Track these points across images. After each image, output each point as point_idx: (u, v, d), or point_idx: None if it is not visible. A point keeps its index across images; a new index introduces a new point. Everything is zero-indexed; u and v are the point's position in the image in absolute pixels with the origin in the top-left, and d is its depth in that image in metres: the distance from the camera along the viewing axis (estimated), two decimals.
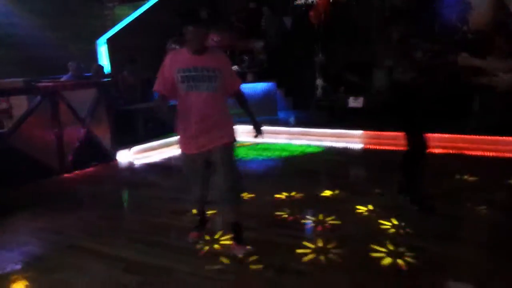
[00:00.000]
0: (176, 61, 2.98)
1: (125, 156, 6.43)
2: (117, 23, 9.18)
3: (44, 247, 3.53)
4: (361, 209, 4.00)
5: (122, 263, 3.19)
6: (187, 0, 9.63)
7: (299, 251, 3.21)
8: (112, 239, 3.62)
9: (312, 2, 9.47)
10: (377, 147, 6.65)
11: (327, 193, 4.52)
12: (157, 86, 3.05)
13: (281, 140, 7.37)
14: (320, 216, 3.85)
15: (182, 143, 3.17)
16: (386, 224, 3.62)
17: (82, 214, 4.25)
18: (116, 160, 6.30)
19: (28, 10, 8.21)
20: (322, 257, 3.12)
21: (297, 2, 9.96)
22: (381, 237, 3.38)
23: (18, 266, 3.21)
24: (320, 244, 3.32)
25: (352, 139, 6.96)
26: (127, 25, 8.94)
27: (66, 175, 5.64)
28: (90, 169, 5.92)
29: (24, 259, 3.32)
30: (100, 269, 3.13)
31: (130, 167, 6.15)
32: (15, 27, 7.97)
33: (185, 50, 3.00)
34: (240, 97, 3.27)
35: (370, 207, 4.03)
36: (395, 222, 3.63)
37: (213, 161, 3.11)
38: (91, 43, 8.75)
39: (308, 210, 4.07)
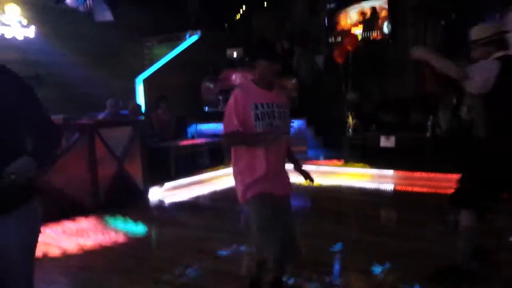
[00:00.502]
0: (249, 96, 2.71)
1: (156, 194, 6.55)
2: (155, 62, 9.53)
3: (74, 286, 3.60)
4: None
5: None
6: (220, 41, 10.03)
7: None
8: (140, 278, 3.66)
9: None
10: (409, 188, 6.52)
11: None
12: (232, 126, 2.68)
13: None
14: None
15: (251, 184, 2.75)
16: None
17: (112, 253, 4.33)
18: (147, 197, 6.41)
19: (69, 49, 8.61)
20: None
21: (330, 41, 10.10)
22: None
23: None
24: None
25: (384, 179, 6.86)
26: (164, 64, 9.26)
27: (99, 212, 5.77)
28: (122, 206, 6.04)
29: None
30: None
31: (161, 205, 6.24)
32: (57, 66, 8.35)
33: (253, 86, 2.77)
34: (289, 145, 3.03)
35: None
36: None
37: (281, 210, 2.79)
38: (130, 81, 9.08)
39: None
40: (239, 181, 2.82)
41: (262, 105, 2.69)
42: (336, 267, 3.88)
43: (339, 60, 8.92)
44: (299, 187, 6.79)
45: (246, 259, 3.13)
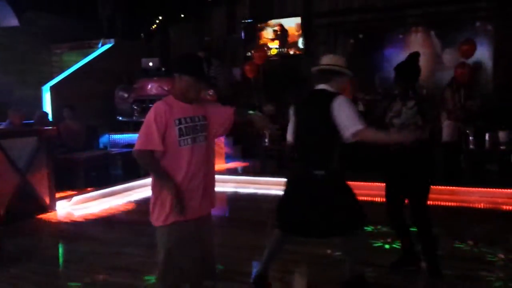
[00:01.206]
0: (172, 110, 2.56)
1: (64, 207, 6.15)
2: (65, 70, 9.06)
3: None
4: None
5: None
6: (135, 50, 9.81)
7: None
8: None
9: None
10: None
11: None
12: (150, 144, 2.52)
13: (228, 188, 7.35)
14: None
15: (164, 211, 2.58)
16: None
17: (15, 271, 3.98)
18: (54, 211, 6.01)
19: None
20: None
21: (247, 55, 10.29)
22: None
23: None
24: None
25: None
26: (74, 72, 8.84)
27: None
28: (26, 221, 5.60)
29: None
30: None
31: (69, 219, 5.87)
32: None
33: (173, 99, 2.62)
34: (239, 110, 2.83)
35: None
36: None
37: (200, 233, 2.66)
38: (37, 89, 8.55)
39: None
40: (155, 200, 2.63)
41: (185, 119, 2.57)
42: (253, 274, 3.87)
43: (250, 74, 9.17)
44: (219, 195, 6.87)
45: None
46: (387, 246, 4.37)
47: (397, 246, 4.09)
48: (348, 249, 3.28)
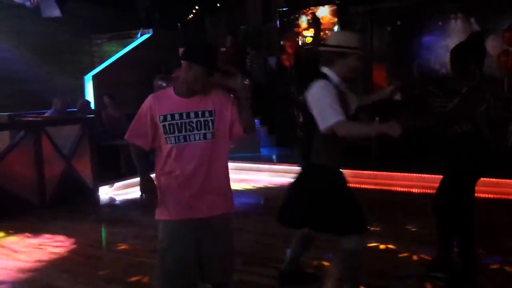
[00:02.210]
0: (159, 105, 2.39)
1: (106, 192, 6.42)
2: (105, 60, 9.33)
3: (19, 286, 3.48)
4: None
5: None
6: (172, 40, 9.96)
7: None
8: (90, 279, 3.59)
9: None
10: (357, 185, 6.74)
11: None
12: (134, 138, 2.46)
13: (264, 177, 7.44)
14: None
15: (162, 206, 2.47)
16: None
17: (60, 252, 4.22)
18: (97, 196, 6.27)
19: (16, 45, 8.32)
20: None
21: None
22: None
23: None
24: None
25: None
26: (114, 61, 9.08)
27: (46, 210, 5.59)
28: (71, 205, 5.88)
29: None
30: None
31: (111, 204, 6.13)
32: (3, 62, 8.06)
33: (171, 92, 2.43)
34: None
35: None
36: None
37: (202, 237, 2.45)
38: (78, 78, 8.85)
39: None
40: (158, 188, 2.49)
41: (172, 115, 2.34)
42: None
43: (286, 63, 9.14)
44: (252, 188, 6.99)
45: None
46: None
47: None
48: (338, 263, 3.03)
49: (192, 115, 2.36)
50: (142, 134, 2.42)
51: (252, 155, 8.31)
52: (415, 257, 3.84)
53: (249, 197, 6.27)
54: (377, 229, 4.54)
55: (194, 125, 2.35)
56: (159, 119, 2.35)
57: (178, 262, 2.39)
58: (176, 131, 2.34)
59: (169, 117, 2.35)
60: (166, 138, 2.36)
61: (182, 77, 2.36)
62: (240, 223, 4.65)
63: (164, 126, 2.35)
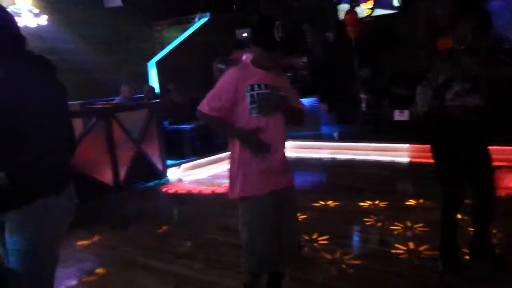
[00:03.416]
0: (245, 76, 2.38)
1: (174, 174, 6.68)
2: (166, 46, 9.59)
3: (100, 263, 3.74)
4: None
5: (174, 278, 3.35)
6: (231, 21, 10.02)
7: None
8: (163, 255, 3.79)
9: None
10: (424, 160, 6.55)
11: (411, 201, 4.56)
12: (215, 111, 2.36)
13: (325, 154, 7.41)
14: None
15: (248, 182, 2.38)
16: None
17: (136, 230, 4.47)
18: (166, 177, 6.54)
19: (81, 36, 8.72)
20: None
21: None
22: None
23: (75, 282, 3.41)
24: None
25: (399, 153, 6.89)
26: (174, 47, 9.31)
27: (120, 192, 5.91)
28: (142, 186, 6.18)
29: (80, 275, 3.53)
30: (153, 285, 3.29)
31: (179, 184, 6.37)
32: (70, 53, 8.47)
33: (251, 65, 2.44)
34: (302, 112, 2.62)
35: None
36: None
37: (282, 207, 2.45)
38: (142, 65, 9.17)
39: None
40: (234, 169, 2.44)
41: (259, 86, 2.36)
42: (355, 240, 3.98)
43: (344, 38, 8.88)
44: (315, 162, 6.98)
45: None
46: None
47: None
48: None
49: (272, 87, 2.41)
50: (224, 106, 2.35)
51: (313, 133, 8.27)
52: None
53: (310, 174, 6.28)
54: None
55: (276, 97, 2.41)
56: (246, 89, 2.34)
57: (268, 240, 2.37)
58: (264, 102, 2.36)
59: (255, 87, 2.35)
60: (250, 108, 2.34)
61: (254, 56, 2.46)
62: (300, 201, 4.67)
63: (251, 95, 2.34)
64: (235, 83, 2.34)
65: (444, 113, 2.94)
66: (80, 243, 4.21)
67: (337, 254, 3.49)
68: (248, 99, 2.34)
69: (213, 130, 2.58)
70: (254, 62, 2.44)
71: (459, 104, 2.89)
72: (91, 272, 3.56)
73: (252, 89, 2.35)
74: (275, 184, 2.41)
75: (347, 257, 3.44)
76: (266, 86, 2.37)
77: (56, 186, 1.94)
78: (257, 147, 2.35)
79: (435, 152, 3.08)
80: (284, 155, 2.50)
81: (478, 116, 2.92)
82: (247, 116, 2.35)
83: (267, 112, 2.36)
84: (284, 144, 2.49)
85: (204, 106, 2.37)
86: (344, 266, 3.31)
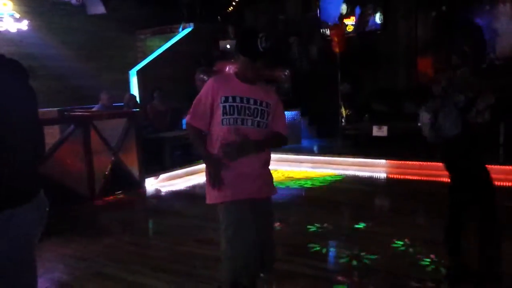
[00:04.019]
0: (222, 87, 2.45)
1: (152, 184, 6.61)
2: (148, 55, 9.55)
3: (71, 274, 3.66)
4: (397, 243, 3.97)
5: None
6: (214, 32, 10.05)
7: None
8: (137, 267, 3.72)
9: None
10: (401, 176, 6.64)
11: (360, 225, 4.53)
12: (195, 120, 2.48)
13: (305, 168, 7.43)
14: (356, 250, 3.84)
15: (224, 187, 2.43)
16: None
17: (109, 241, 4.39)
18: (143, 187, 6.47)
19: (62, 42, 8.63)
20: None
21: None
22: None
23: None
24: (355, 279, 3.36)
25: (376, 168, 6.96)
26: (157, 56, 9.27)
27: (95, 202, 5.82)
28: (119, 196, 6.10)
29: (50, 286, 3.44)
30: None
31: (157, 195, 6.31)
32: (50, 59, 8.37)
33: (233, 76, 2.52)
34: (279, 136, 2.61)
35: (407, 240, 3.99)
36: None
37: (259, 215, 2.49)
38: (123, 73, 9.10)
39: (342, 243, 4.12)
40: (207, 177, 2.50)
41: (234, 98, 2.40)
42: (330, 254, 3.98)
43: (327, 52, 8.99)
44: (292, 177, 7.00)
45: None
46: None
47: None
48: None
49: (251, 101, 2.44)
50: (203, 116, 2.46)
51: (293, 147, 8.29)
52: None
53: (290, 189, 6.28)
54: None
55: (252, 111, 2.43)
56: (221, 100, 2.41)
57: (247, 246, 2.37)
58: (236, 113, 2.40)
59: (230, 99, 2.41)
60: (222, 119, 2.41)
61: (238, 66, 2.51)
62: (281, 215, 4.68)
63: (224, 107, 2.40)
64: (211, 93, 2.42)
65: (468, 131, 2.97)
66: (52, 253, 4.11)
67: None
68: (220, 110, 2.40)
69: (191, 141, 2.60)
70: (238, 73, 2.49)
71: (481, 121, 2.95)
72: (61, 283, 3.48)
73: (226, 101, 2.40)
74: (251, 191, 2.46)
75: None
76: (241, 99, 2.42)
77: (24, 195, 1.88)
78: (213, 178, 2.41)
79: (457, 169, 3.08)
80: (263, 166, 2.53)
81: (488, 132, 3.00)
82: (219, 126, 2.42)
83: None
84: (261, 154, 2.49)
85: (188, 116, 2.50)
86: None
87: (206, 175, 2.50)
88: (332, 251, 4.05)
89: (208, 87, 2.45)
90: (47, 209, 2.01)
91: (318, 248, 3.92)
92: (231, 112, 2.40)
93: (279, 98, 2.63)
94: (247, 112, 2.41)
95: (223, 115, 2.40)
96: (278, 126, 2.57)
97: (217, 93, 2.41)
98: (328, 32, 9.59)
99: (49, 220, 2.01)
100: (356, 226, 4.49)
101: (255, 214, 2.45)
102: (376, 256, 3.67)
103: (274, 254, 2.65)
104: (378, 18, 9.76)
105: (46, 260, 3.93)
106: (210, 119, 2.45)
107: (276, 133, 2.58)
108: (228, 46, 9.56)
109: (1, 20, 7.45)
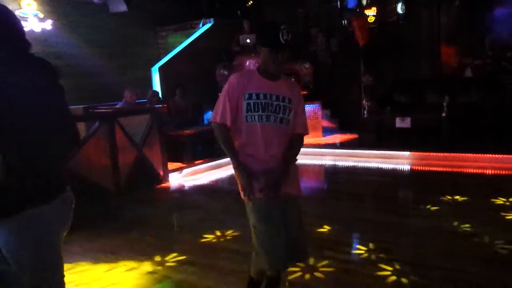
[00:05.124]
0: (246, 84, 2.47)
1: (176, 179, 6.70)
2: (170, 51, 9.65)
3: (98, 268, 3.75)
4: None
5: (173, 284, 3.36)
6: (234, 27, 10.07)
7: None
8: (163, 261, 3.79)
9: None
10: (425, 168, 6.56)
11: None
12: (219, 117, 2.47)
13: (327, 161, 7.41)
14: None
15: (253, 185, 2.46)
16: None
17: (135, 235, 4.48)
18: (167, 182, 6.56)
19: (86, 40, 8.80)
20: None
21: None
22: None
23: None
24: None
25: (400, 160, 6.89)
26: (178, 52, 9.36)
27: (120, 197, 5.93)
28: (143, 191, 6.20)
29: (79, 279, 3.53)
30: None
31: (180, 189, 6.39)
32: (74, 57, 8.54)
33: (256, 73, 2.51)
34: (298, 145, 2.58)
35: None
36: None
37: (286, 209, 2.52)
38: (146, 70, 9.23)
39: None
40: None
41: (257, 95, 2.43)
42: (354, 247, 3.97)
43: (360, 41, 8.87)
44: (314, 168, 6.99)
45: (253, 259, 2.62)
46: None
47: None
48: None
49: (274, 97, 2.45)
50: (228, 112, 2.45)
51: (315, 140, 8.28)
52: None
53: (311, 180, 6.29)
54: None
55: (274, 107, 2.44)
56: (245, 96, 2.43)
57: (275, 240, 2.40)
58: (260, 110, 2.42)
59: (254, 96, 2.43)
60: (246, 116, 2.43)
61: (260, 61, 2.49)
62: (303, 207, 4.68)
63: (248, 104, 2.43)
64: (237, 89, 2.44)
65: None
66: (78, 247, 4.22)
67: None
68: (244, 107, 2.43)
69: (221, 144, 2.57)
70: (259, 68, 2.50)
71: None
72: (89, 277, 3.58)
73: (250, 98, 2.43)
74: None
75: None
76: (265, 95, 2.44)
77: (53, 191, 1.91)
78: (244, 189, 2.46)
79: None
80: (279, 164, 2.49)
81: None
82: (244, 123, 2.45)
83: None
84: (282, 150, 2.49)
85: (213, 115, 2.51)
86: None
87: (238, 182, 2.52)
88: (358, 243, 4.04)
89: (232, 84, 2.47)
90: (73, 205, 2.05)
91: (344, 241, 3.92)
92: (256, 109, 2.42)
93: (302, 94, 2.63)
94: (270, 108, 2.43)
95: (247, 112, 2.43)
96: (298, 125, 2.55)
97: (242, 90, 2.43)
98: (349, 23, 9.50)
99: (76, 214, 2.06)
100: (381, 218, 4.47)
101: (282, 209, 2.47)
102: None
103: (305, 247, 2.62)
104: (400, 8, 9.61)
105: (75, 254, 4.04)
106: (235, 114, 2.46)
107: (292, 143, 2.54)
108: (248, 41, 9.57)
109: (26, 20, 7.64)
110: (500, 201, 4.68)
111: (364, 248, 3.71)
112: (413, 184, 6.06)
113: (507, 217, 4.22)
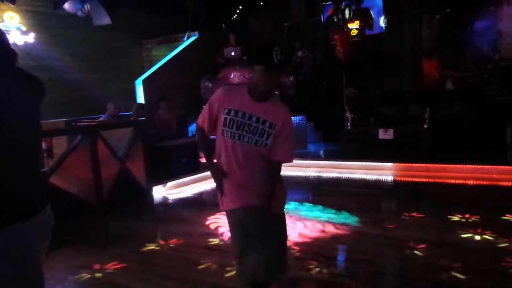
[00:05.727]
0: (229, 99, 2.50)
1: (159, 192, 6.64)
2: (154, 64, 9.64)
3: (80, 285, 3.69)
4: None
5: None
6: (219, 40, 10.12)
7: None
8: (146, 275, 3.74)
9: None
10: (408, 179, 6.62)
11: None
12: (201, 122, 2.61)
13: (311, 173, 7.43)
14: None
15: (225, 196, 2.55)
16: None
17: (118, 250, 4.41)
18: (151, 195, 6.50)
19: (69, 53, 8.75)
20: None
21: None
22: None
23: None
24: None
25: (383, 171, 6.95)
26: (163, 65, 9.36)
27: (102, 211, 5.85)
28: (127, 204, 6.12)
29: None
30: None
31: (164, 203, 6.34)
32: (58, 70, 8.48)
33: (244, 90, 2.52)
34: (275, 173, 2.56)
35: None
36: None
37: (265, 222, 2.50)
38: (130, 82, 9.19)
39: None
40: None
41: (236, 112, 2.44)
42: (340, 258, 3.98)
43: (339, 55, 8.99)
44: (299, 181, 7.01)
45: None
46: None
47: (489, 237, 3.97)
48: None
49: (253, 118, 2.44)
50: (208, 120, 2.55)
51: (300, 152, 8.31)
52: None
53: (296, 192, 6.29)
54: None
55: (252, 129, 2.43)
56: (224, 111, 2.47)
57: (249, 250, 2.42)
58: (234, 128, 2.44)
59: (233, 113, 2.45)
60: (223, 130, 2.47)
61: (252, 80, 2.50)
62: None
63: (225, 118, 2.46)
64: (219, 101, 2.49)
65: None
66: (61, 263, 4.15)
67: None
68: (222, 120, 2.47)
69: (197, 141, 2.74)
70: (249, 87, 2.49)
71: None
72: None
73: (229, 113, 2.45)
74: (249, 200, 2.48)
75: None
76: (243, 114, 2.43)
77: (30, 210, 1.85)
78: (216, 186, 2.60)
79: None
80: (260, 177, 2.49)
81: None
82: (220, 134, 2.51)
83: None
84: (254, 171, 2.49)
85: (199, 117, 2.63)
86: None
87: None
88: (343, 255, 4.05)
89: (217, 94, 2.53)
90: (53, 222, 1.99)
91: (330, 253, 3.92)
92: (230, 126, 2.44)
93: (291, 121, 2.56)
94: (245, 128, 2.43)
95: (223, 126, 2.46)
96: (276, 151, 2.49)
97: (223, 103, 2.47)
98: (332, 37, 9.62)
99: (57, 230, 2.01)
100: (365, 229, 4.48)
101: (262, 221, 2.45)
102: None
103: (281, 263, 2.56)
104: (382, 21, 9.77)
105: (55, 270, 3.96)
106: (214, 124, 2.53)
107: (271, 170, 2.52)
108: (233, 54, 9.62)
109: (8, 33, 7.57)
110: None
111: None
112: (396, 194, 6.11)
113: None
